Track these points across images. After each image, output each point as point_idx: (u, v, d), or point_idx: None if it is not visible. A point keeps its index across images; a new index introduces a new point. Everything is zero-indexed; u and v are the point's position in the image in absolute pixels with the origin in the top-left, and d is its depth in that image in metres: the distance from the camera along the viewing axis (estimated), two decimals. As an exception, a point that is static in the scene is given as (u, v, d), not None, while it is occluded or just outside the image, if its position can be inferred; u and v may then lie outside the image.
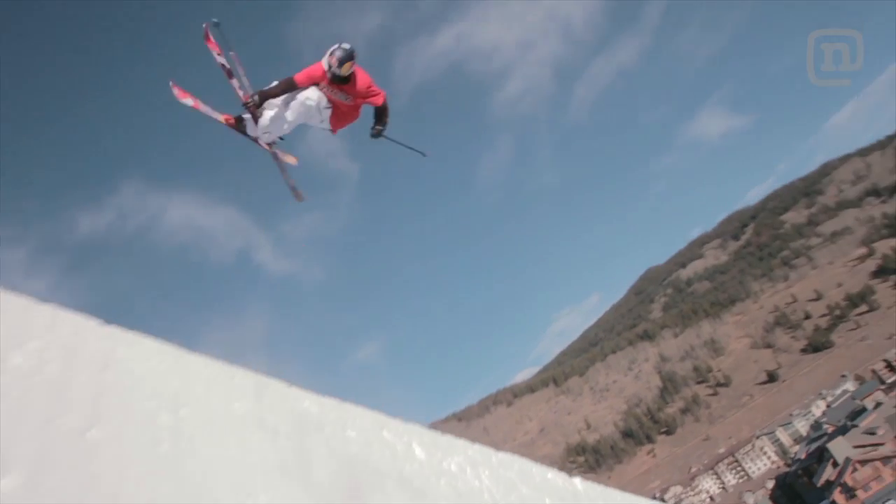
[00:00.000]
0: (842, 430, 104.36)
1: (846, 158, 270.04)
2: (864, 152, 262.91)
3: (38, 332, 0.60)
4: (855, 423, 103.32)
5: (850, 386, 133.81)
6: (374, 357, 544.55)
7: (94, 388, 0.59)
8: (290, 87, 7.39)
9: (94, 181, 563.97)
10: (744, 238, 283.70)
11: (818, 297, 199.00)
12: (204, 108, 7.80)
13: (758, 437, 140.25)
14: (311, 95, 7.41)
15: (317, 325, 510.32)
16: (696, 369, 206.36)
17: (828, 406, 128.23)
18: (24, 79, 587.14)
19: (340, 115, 7.67)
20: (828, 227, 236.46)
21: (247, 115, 7.64)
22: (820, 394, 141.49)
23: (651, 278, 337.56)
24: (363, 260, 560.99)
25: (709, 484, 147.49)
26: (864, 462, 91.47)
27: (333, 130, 7.84)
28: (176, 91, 7.62)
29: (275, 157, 8.33)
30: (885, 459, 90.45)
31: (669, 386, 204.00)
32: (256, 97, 7.40)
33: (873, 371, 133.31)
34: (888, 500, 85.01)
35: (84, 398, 0.58)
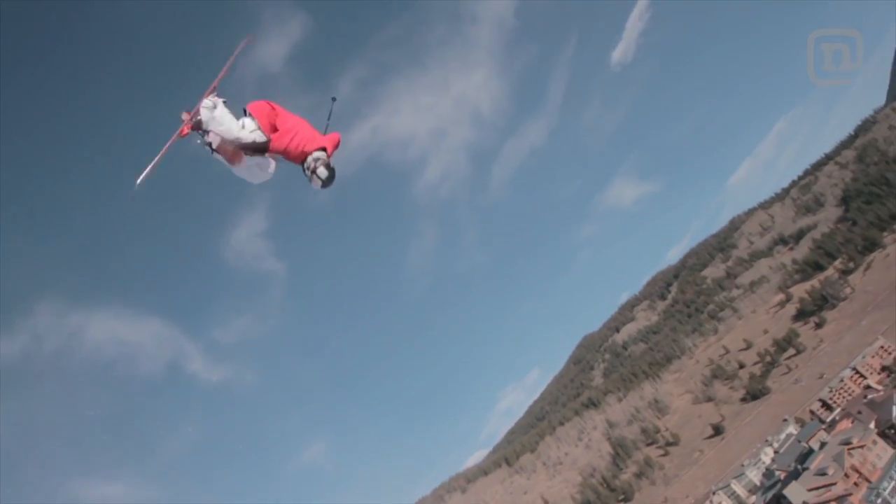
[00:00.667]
0: (794, 475, 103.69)
1: (751, 212, 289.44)
2: (765, 205, 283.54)
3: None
4: (805, 465, 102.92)
5: (792, 429, 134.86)
6: (319, 457, 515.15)
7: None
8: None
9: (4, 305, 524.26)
10: (670, 297, 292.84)
11: (748, 346, 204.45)
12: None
13: (714, 493, 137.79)
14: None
15: (257, 430, 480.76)
16: (643, 431, 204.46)
17: (776, 452, 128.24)
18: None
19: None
20: (745, 277, 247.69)
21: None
22: (766, 440, 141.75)
23: (588, 346, 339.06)
24: (299, 359, 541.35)
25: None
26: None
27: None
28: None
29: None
30: (841, 499, 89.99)
31: (621, 451, 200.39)
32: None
33: (811, 412, 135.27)
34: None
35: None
